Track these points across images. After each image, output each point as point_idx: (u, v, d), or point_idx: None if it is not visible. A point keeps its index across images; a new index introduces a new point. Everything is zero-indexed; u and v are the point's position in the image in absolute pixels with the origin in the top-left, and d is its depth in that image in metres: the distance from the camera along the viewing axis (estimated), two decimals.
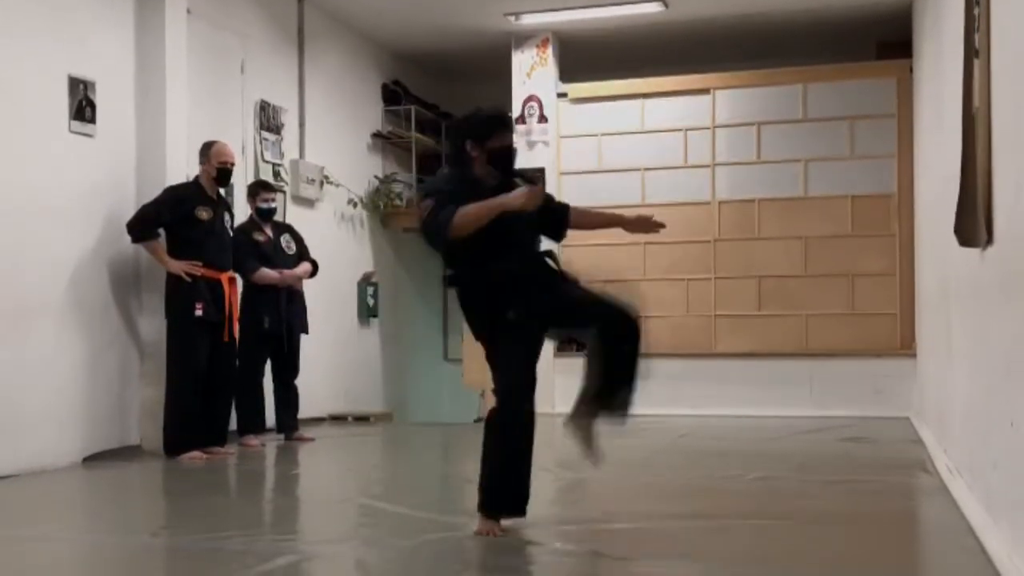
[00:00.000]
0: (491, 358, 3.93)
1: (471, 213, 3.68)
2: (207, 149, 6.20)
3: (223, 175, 6.22)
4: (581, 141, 8.97)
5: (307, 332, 7.07)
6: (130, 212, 6.07)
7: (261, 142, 7.58)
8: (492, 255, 3.81)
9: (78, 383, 5.80)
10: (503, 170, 3.86)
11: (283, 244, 6.93)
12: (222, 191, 6.39)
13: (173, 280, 6.02)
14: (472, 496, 4.80)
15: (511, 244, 3.84)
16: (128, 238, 6.03)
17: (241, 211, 6.97)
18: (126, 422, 6.19)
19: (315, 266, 7.08)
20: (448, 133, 4.06)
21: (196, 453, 5.94)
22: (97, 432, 5.94)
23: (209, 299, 6.06)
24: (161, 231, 6.06)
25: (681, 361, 8.52)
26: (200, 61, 6.84)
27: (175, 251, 6.05)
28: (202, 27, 6.87)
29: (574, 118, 9.02)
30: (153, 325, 6.25)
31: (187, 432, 5.98)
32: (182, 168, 6.39)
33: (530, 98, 9.01)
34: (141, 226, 6.00)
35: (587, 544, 3.76)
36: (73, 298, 5.78)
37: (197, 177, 6.24)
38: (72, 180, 5.81)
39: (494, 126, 3.84)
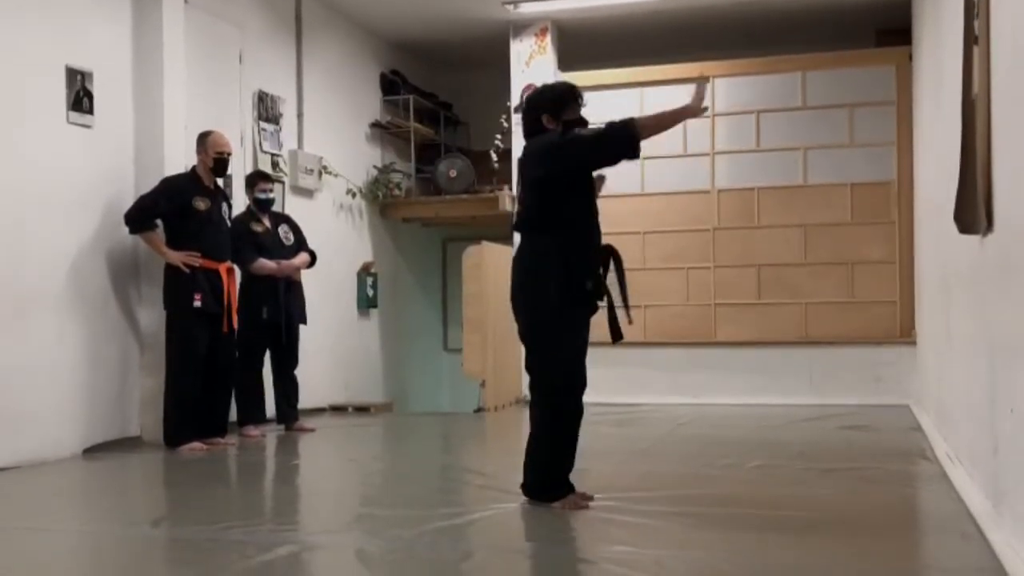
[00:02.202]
0: (549, 338, 4.00)
1: (653, 117, 4.00)
2: (204, 139, 6.20)
3: (220, 165, 6.22)
4: None
5: (306, 322, 7.07)
6: (129, 202, 6.07)
7: (259, 132, 7.57)
8: (591, 216, 4.10)
9: (78, 374, 5.80)
10: None
11: (281, 234, 6.92)
12: (220, 181, 6.38)
13: (172, 271, 6.02)
14: (474, 486, 4.81)
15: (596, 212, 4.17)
16: (126, 229, 6.03)
17: (239, 201, 6.97)
18: (126, 413, 6.20)
19: (313, 256, 7.08)
20: (525, 108, 4.22)
21: (196, 444, 5.95)
22: (97, 423, 5.95)
23: (208, 290, 6.07)
24: (159, 222, 6.06)
25: (681, 350, 8.54)
26: (198, 51, 6.82)
27: (173, 242, 6.05)
28: (200, 17, 6.85)
29: None
30: (153, 316, 6.26)
31: (187, 423, 5.99)
32: (180, 158, 6.38)
33: (529, 87, 8.96)
34: (139, 217, 6.00)
35: (585, 531, 3.77)
36: (73, 289, 5.77)
37: (194, 167, 6.23)
38: (70, 171, 5.80)
39: (567, 99, 4.10)
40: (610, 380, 7.97)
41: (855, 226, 8.38)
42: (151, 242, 6.06)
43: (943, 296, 5.43)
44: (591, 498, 4.06)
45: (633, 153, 3.93)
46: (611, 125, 3.94)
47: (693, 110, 3.93)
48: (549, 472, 4.03)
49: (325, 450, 6.34)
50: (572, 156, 3.99)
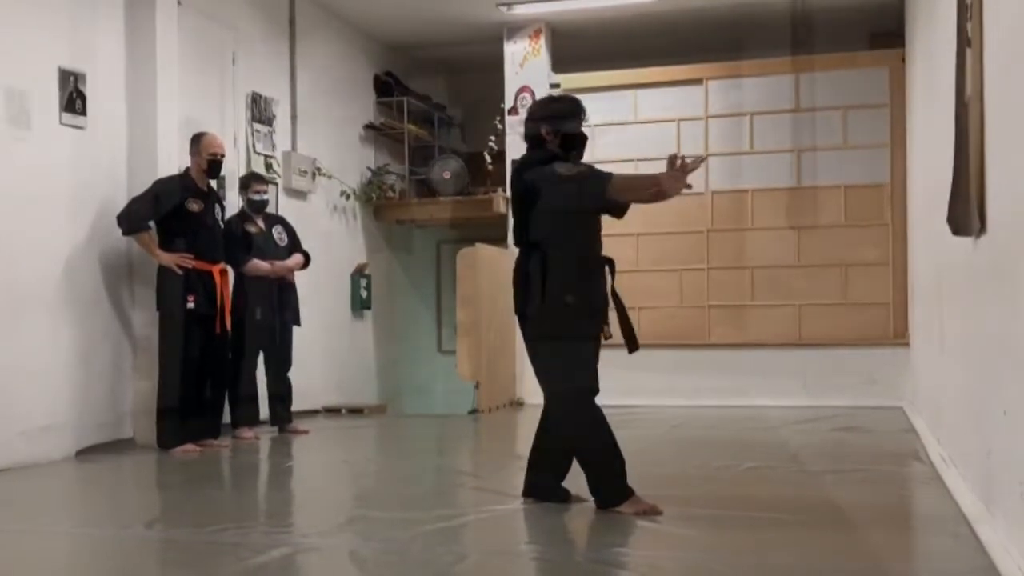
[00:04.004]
0: (541, 352, 4.06)
1: (627, 182, 4.11)
2: (197, 141, 6.20)
3: (213, 167, 6.21)
4: None
5: (299, 324, 7.06)
6: (122, 204, 6.06)
7: (253, 134, 7.56)
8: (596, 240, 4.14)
9: (71, 376, 5.79)
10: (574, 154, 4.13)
11: (275, 236, 6.92)
12: (213, 183, 6.37)
13: (165, 272, 6.02)
14: (468, 488, 4.80)
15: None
16: (119, 230, 6.02)
17: (233, 203, 6.96)
18: (119, 415, 6.18)
19: (307, 258, 7.07)
20: (527, 117, 4.25)
21: (190, 446, 5.94)
22: (90, 425, 5.92)
23: (201, 291, 6.06)
24: (151, 223, 6.05)
25: (674, 352, 8.53)
26: (191, 53, 6.81)
27: (166, 243, 6.04)
28: (193, 19, 6.84)
29: None
30: (145, 318, 6.24)
31: (180, 425, 5.98)
32: (174, 160, 6.38)
33: (523, 89, 8.99)
34: (131, 218, 5.98)
35: (580, 533, 3.77)
36: (66, 291, 5.76)
37: (188, 169, 6.23)
38: (63, 173, 5.79)
39: (568, 115, 4.14)
40: (603, 382, 7.96)
41: (848, 228, 8.39)
42: (143, 243, 6.04)
43: (936, 298, 5.44)
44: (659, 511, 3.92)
45: (601, 208, 4.04)
46: (586, 177, 3.95)
47: (666, 191, 3.82)
48: (619, 469, 3.99)
49: (319, 452, 6.33)
50: (554, 197, 3.97)
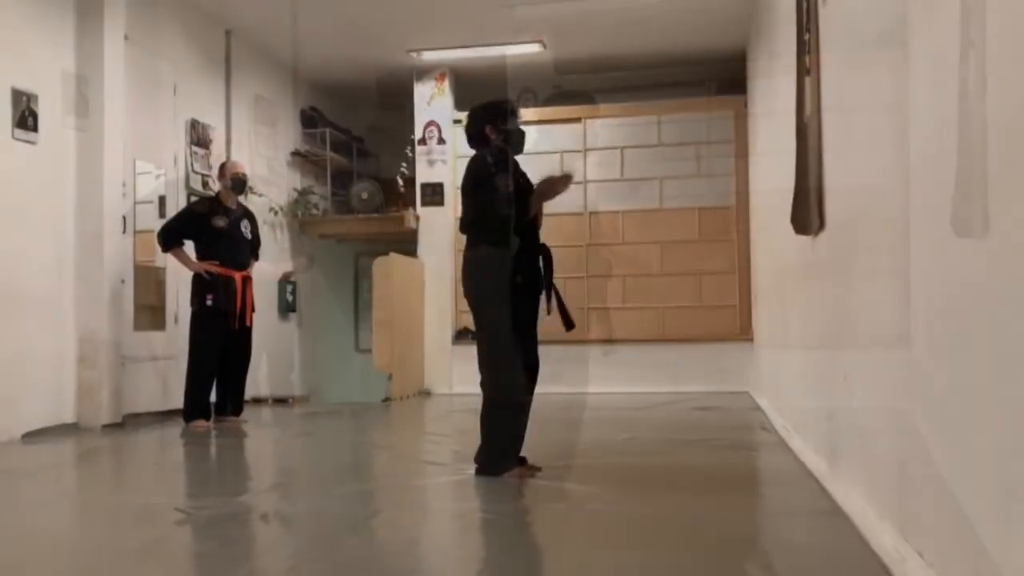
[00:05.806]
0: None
1: None
2: (222, 167, 6.38)
3: (236, 184, 6.31)
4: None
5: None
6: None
7: (192, 155, 7.21)
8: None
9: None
10: (516, 149, 4.03)
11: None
12: (241, 199, 6.44)
13: (194, 278, 6.01)
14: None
15: None
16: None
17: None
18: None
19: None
20: (470, 119, 4.12)
21: (201, 422, 5.88)
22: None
23: (220, 293, 5.97)
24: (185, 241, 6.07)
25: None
26: (137, 82, 6.46)
27: (199, 253, 6.07)
28: (138, 52, 6.48)
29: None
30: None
31: (184, 427, 5.80)
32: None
33: (430, 123, 8.85)
34: (167, 238, 6.01)
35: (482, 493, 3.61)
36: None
37: (218, 193, 6.30)
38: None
39: (506, 113, 4.05)
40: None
41: (702, 243, 8.46)
42: (178, 256, 6.05)
43: (778, 295, 5.48)
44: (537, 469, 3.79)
45: None
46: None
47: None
48: (497, 445, 3.74)
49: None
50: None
